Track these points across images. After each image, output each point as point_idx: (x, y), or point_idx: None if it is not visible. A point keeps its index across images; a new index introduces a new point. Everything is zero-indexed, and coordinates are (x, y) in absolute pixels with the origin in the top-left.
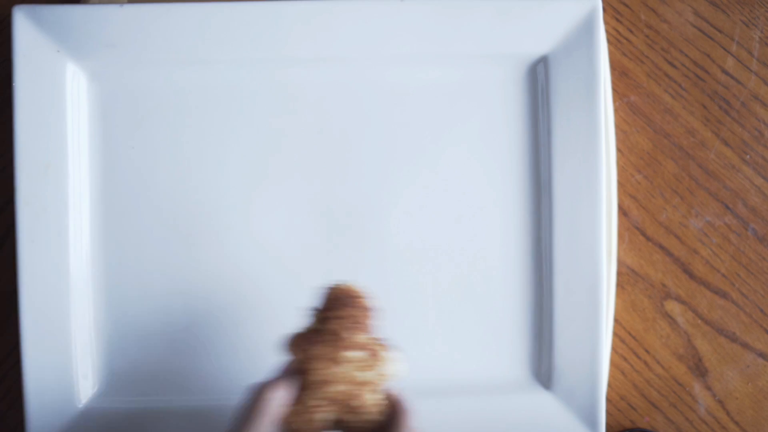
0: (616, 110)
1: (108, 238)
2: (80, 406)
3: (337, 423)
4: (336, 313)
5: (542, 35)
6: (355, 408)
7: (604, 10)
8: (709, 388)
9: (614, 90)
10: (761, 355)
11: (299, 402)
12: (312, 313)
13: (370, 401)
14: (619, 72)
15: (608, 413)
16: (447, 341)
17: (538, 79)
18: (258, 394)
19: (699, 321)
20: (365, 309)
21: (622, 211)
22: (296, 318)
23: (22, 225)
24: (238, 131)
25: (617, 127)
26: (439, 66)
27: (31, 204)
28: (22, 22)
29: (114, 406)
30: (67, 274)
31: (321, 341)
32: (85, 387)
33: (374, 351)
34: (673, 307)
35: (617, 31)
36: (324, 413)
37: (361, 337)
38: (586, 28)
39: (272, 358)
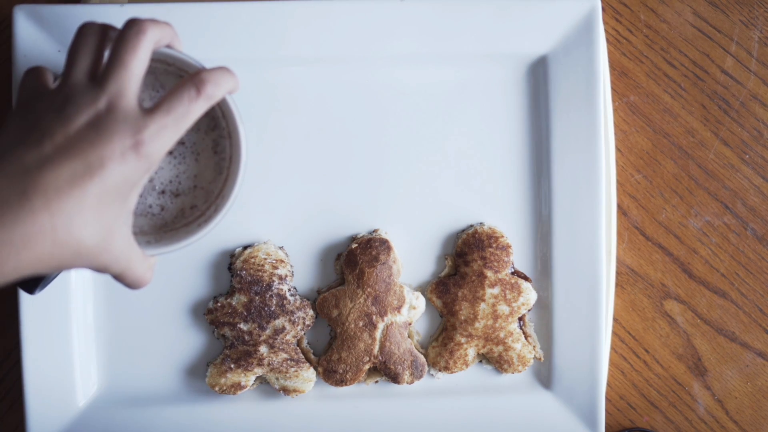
0: (615, 110)
1: None
2: (80, 406)
3: (485, 355)
4: (478, 255)
5: (542, 35)
6: (500, 339)
7: (604, 10)
8: (708, 388)
9: (614, 90)
10: (760, 354)
11: (449, 341)
12: (449, 260)
13: (514, 332)
14: (618, 72)
15: (608, 413)
16: None
17: (538, 78)
18: (137, 26)
19: (698, 320)
20: (505, 247)
21: (622, 211)
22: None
23: None
24: None
25: (617, 126)
26: (439, 66)
27: None
28: (23, 22)
29: (114, 406)
30: (67, 274)
31: (466, 283)
32: (85, 387)
33: (513, 284)
34: (672, 307)
35: (617, 31)
36: (472, 348)
37: (501, 274)
38: (585, 28)
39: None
